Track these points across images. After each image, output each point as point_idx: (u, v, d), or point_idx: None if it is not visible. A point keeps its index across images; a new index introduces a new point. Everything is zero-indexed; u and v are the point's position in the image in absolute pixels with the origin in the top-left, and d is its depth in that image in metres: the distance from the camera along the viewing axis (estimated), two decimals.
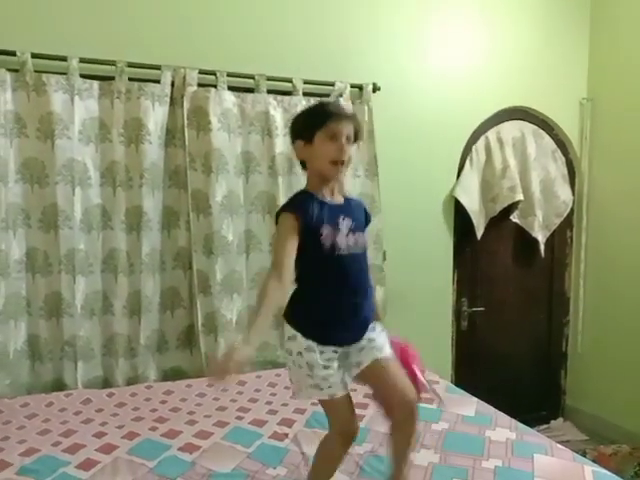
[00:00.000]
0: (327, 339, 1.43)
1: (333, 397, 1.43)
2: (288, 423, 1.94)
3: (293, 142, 1.52)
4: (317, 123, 1.44)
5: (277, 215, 1.45)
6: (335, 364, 1.44)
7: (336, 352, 1.45)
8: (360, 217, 1.55)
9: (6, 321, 2.24)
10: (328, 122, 1.43)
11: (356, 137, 1.50)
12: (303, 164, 1.53)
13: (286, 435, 1.85)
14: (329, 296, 1.44)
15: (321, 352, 1.42)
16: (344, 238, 1.44)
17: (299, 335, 1.43)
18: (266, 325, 1.35)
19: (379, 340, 1.50)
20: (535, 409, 3.51)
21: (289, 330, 1.46)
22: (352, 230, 1.47)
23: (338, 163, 1.44)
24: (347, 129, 1.45)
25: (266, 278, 1.37)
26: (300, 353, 1.42)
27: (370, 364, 1.46)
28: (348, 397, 1.47)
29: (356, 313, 1.46)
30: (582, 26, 3.44)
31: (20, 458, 1.65)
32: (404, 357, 1.54)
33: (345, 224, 1.45)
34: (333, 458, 1.51)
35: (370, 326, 1.51)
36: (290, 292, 1.47)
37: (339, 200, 1.51)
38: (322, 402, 1.47)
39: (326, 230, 1.41)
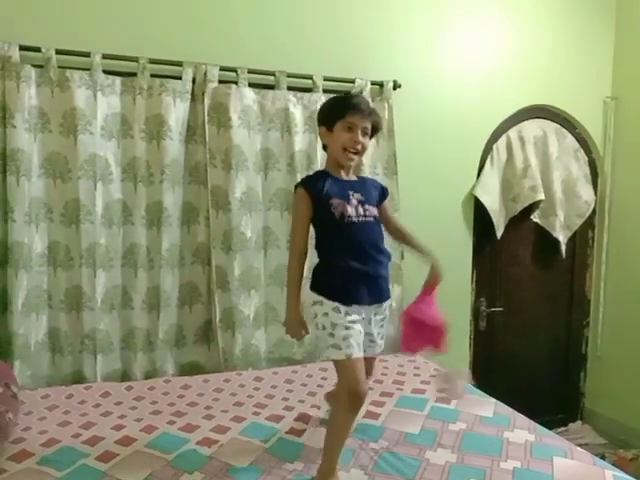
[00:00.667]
0: (349, 297, 1.60)
1: (349, 357, 1.54)
2: (305, 419, 1.95)
3: (319, 126, 1.74)
4: (338, 114, 1.65)
5: (295, 187, 1.70)
6: (358, 326, 1.60)
7: (360, 315, 1.62)
8: (371, 192, 1.75)
9: (28, 314, 2.27)
10: (347, 115, 1.63)
11: (375, 130, 1.71)
12: (325, 146, 1.76)
13: (303, 431, 1.85)
14: (345, 257, 1.61)
15: (346, 313, 1.59)
16: (353, 208, 1.64)
17: (324, 299, 1.61)
18: (296, 295, 1.65)
19: (382, 334, 1.75)
20: (553, 411, 3.47)
21: (315, 296, 1.63)
22: (361, 202, 1.67)
23: (350, 151, 1.64)
24: (364, 122, 1.64)
25: (289, 258, 1.68)
26: (326, 314, 1.59)
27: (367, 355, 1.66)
28: (361, 360, 1.58)
29: (371, 271, 1.64)
30: (608, 23, 3.38)
31: (41, 448, 1.67)
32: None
33: (355, 197, 1.66)
34: (344, 426, 1.56)
35: (387, 303, 1.72)
36: (310, 261, 1.70)
37: (352, 178, 1.74)
38: (337, 362, 1.57)
39: (336, 201, 1.63)
